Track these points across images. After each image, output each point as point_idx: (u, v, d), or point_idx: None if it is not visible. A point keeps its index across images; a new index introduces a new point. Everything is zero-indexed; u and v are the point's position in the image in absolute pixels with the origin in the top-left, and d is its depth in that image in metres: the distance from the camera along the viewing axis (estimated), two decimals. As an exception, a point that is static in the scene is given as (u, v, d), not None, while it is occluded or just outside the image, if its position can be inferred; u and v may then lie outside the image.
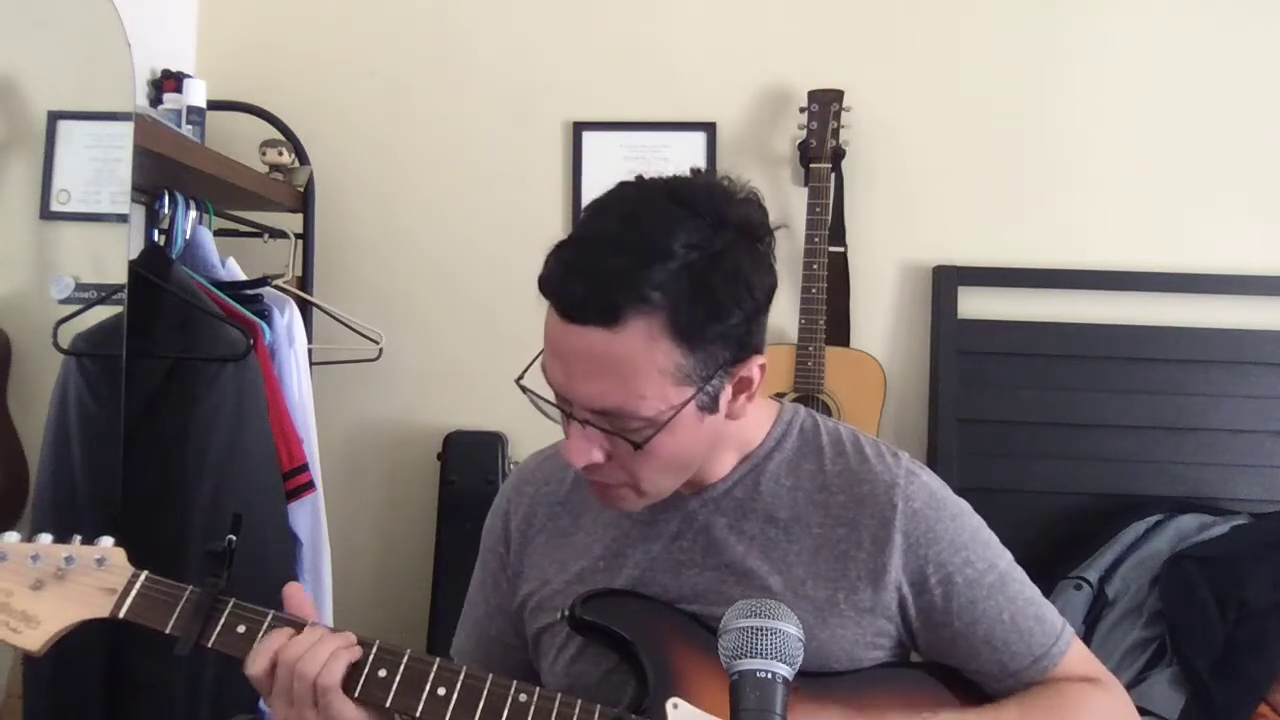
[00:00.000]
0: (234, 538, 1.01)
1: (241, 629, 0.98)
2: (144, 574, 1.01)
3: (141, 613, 0.99)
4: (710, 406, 0.97)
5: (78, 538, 1.04)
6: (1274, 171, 2.40)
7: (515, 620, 1.16)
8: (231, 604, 0.99)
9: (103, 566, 1.02)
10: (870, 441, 1.11)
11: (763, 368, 0.99)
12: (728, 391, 0.98)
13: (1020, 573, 1.08)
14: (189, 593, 1.00)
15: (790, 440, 1.10)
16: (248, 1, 2.58)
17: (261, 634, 0.98)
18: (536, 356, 0.98)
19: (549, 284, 0.93)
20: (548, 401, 0.99)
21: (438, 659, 0.98)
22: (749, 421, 1.07)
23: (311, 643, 0.96)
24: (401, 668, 0.97)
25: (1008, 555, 1.08)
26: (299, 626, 0.98)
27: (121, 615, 0.99)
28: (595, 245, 0.93)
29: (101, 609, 1.00)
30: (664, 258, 0.90)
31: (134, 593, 1.00)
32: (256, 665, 0.95)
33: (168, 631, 0.99)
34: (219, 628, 0.98)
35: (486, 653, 1.18)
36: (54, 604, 0.99)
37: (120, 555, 1.03)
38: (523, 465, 1.23)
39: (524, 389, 1.00)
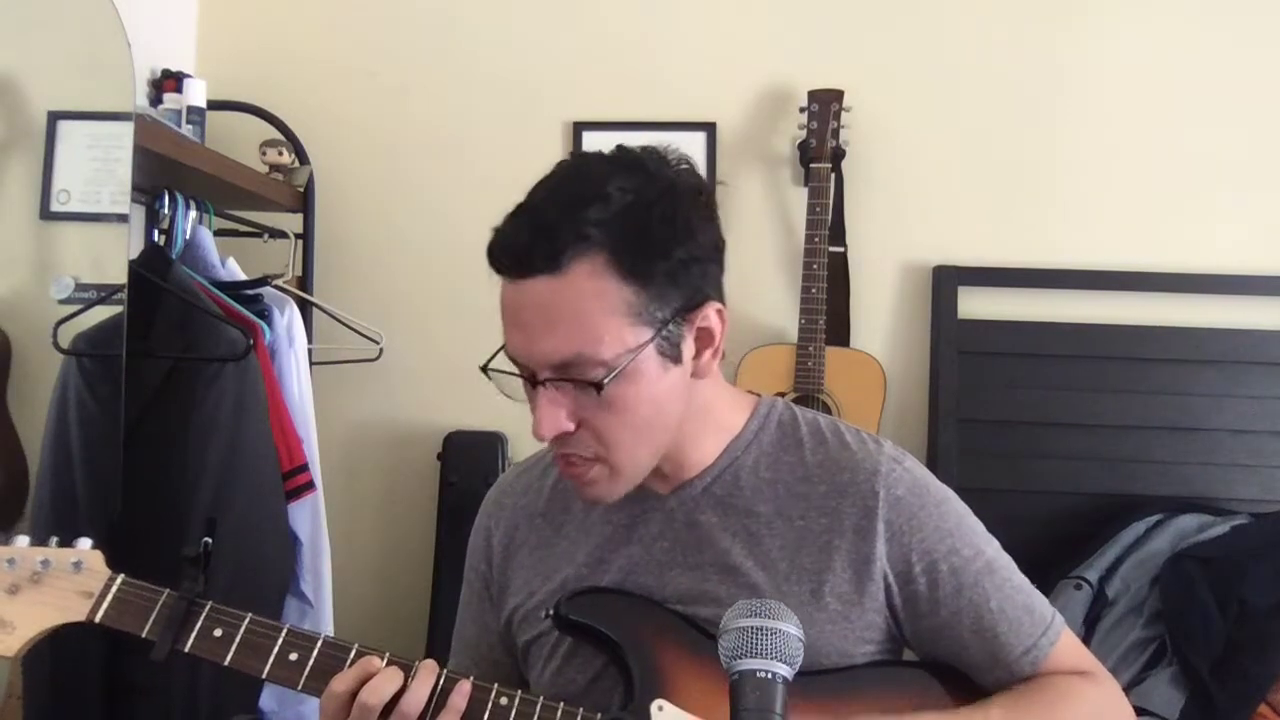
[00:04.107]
0: (209, 540, 1.00)
1: (218, 633, 0.98)
2: (120, 577, 1.00)
3: (117, 617, 0.98)
4: (673, 355, 0.96)
5: (54, 539, 1.02)
6: (1274, 171, 2.40)
7: (504, 637, 1.16)
8: (209, 607, 0.99)
9: (79, 570, 1.00)
10: (851, 430, 1.10)
11: (721, 314, 1.00)
12: (689, 342, 0.98)
13: (1007, 560, 1.06)
14: (165, 596, 0.99)
15: (769, 432, 1.09)
16: (248, 1, 2.58)
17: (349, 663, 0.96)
18: (500, 348, 1.00)
19: (495, 248, 0.97)
20: (511, 373, 1.00)
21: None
22: (725, 409, 1.08)
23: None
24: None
25: (995, 543, 1.07)
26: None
27: (98, 619, 0.98)
28: (533, 203, 0.98)
29: (78, 613, 0.98)
30: (599, 200, 0.93)
31: (110, 596, 0.99)
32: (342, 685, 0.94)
33: (144, 636, 0.98)
34: (195, 632, 0.98)
35: (480, 672, 1.16)
36: (28, 609, 0.98)
37: (98, 558, 1.01)
38: (500, 480, 1.22)
39: (488, 372, 1.01)
